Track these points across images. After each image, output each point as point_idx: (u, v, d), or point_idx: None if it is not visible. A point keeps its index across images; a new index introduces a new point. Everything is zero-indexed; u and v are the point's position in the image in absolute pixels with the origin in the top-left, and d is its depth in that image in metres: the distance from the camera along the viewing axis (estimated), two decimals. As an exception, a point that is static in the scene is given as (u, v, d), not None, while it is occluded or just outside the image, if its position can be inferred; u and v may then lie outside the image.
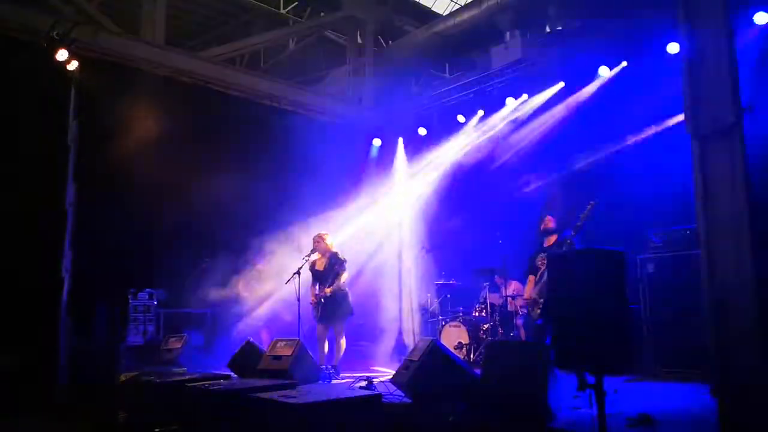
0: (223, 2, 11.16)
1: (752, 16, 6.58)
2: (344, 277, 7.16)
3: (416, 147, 10.56)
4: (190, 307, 8.88)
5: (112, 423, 5.46)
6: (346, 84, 11.34)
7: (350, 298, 7.23)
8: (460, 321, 8.12)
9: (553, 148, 8.56)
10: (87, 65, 7.60)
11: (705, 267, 3.62)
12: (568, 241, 5.87)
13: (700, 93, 3.72)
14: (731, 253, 3.49)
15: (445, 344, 5.53)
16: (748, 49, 6.36)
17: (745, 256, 3.43)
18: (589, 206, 5.77)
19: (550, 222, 6.53)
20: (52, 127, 7.22)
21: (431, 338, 5.24)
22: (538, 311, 6.23)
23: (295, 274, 7.08)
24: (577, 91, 8.40)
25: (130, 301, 8.42)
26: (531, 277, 6.54)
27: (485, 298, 8.16)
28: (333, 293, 7.02)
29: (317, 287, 7.21)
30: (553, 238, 6.45)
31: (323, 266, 7.21)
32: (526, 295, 6.67)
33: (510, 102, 9.09)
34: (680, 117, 4.12)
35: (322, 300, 7.04)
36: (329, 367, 6.88)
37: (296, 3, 11.73)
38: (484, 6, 9.14)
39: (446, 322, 8.33)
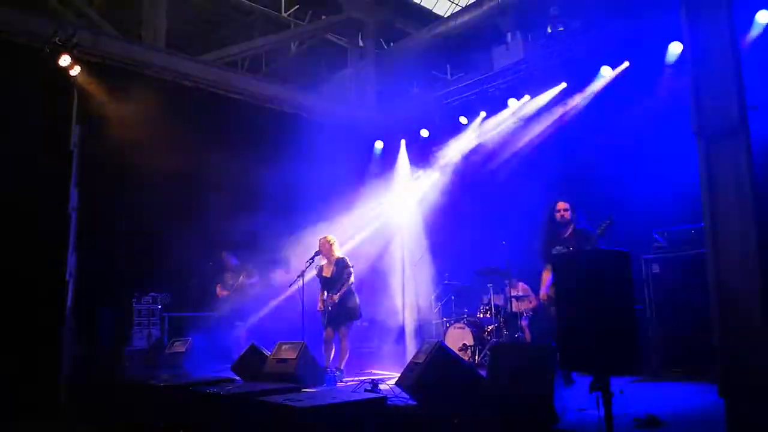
0: (224, 6, 11.18)
1: (755, 14, 6.57)
2: (351, 281, 7.14)
3: (419, 148, 10.55)
4: (195, 311, 8.88)
5: (114, 426, 5.47)
6: (348, 86, 11.35)
7: (358, 302, 7.23)
8: (464, 322, 8.08)
9: (556, 148, 8.53)
10: (89, 70, 7.63)
11: (712, 267, 3.61)
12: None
13: (705, 92, 3.71)
14: (738, 252, 3.48)
15: (449, 346, 5.51)
16: (752, 48, 6.36)
17: (752, 255, 3.41)
18: (604, 223, 5.43)
19: (566, 210, 6.08)
20: (55, 131, 7.24)
21: (436, 340, 5.21)
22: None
23: (299, 276, 7.07)
24: (579, 92, 8.37)
25: (135, 304, 8.42)
26: (547, 270, 6.13)
27: (490, 300, 8.13)
28: (340, 297, 7.02)
29: (325, 294, 7.19)
30: (570, 228, 6.05)
31: (331, 273, 7.19)
32: (543, 292, 6.22)
33: (512, 103, 9.07)
34: (685, 116, 4.12)
35: (330, 307, 7.04)
36: (334, 369, 6.86)
37: (297, 6, 11.76)
38: (485, 7, 9.15)
39: (450, 324, 8.30)
